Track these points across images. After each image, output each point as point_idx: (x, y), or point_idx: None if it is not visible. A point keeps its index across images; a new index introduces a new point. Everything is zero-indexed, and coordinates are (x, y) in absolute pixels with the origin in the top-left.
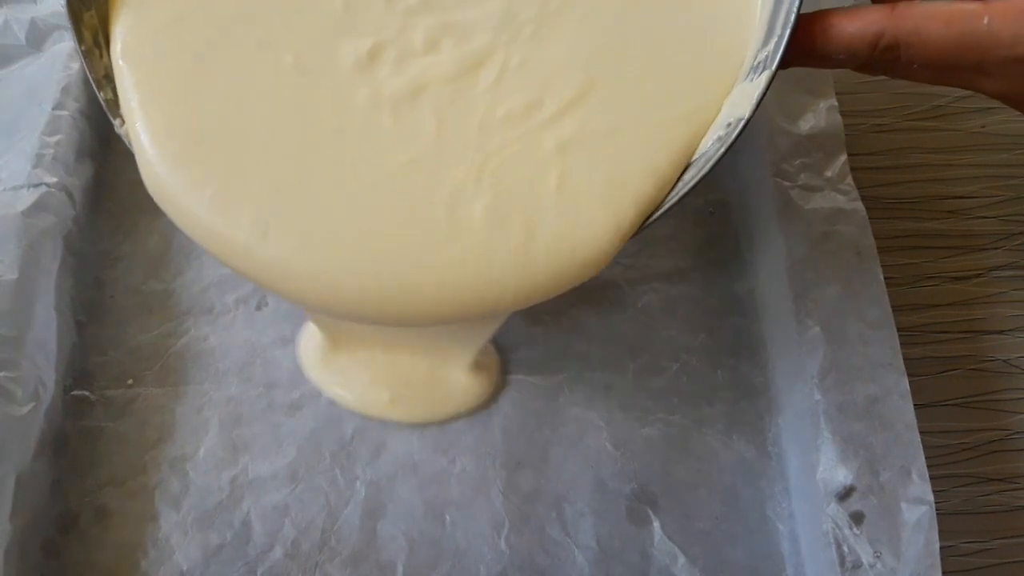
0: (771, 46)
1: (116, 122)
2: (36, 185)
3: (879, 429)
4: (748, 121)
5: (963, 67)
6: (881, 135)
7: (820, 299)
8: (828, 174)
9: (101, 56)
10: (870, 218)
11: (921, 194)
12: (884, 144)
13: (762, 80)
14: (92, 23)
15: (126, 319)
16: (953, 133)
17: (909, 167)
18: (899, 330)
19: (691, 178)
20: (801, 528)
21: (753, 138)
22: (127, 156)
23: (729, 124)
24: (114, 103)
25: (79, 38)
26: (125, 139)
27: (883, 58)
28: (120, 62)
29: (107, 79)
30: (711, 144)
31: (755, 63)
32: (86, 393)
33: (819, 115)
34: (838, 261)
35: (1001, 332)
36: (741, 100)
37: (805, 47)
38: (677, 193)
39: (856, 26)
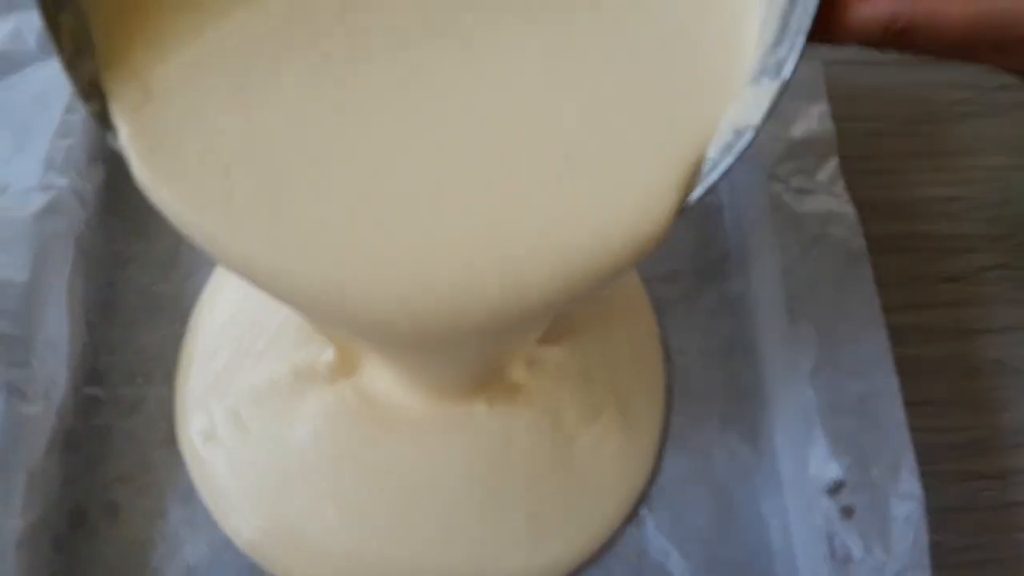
0: (783, 51)
1: (109, 135)
2: (47, 188)
3: (869, 426)
4: (759, 129)
5: (981, 47)
6: (873, 139)
7: (812, 300)
8: (820, 177)
9: (84, 63)
10: (862, 220)
11: (913, 196)
12: (877, 148)
13: (775, 88)
14: (70, 25)
15: (137, 319)
16: (945, 137)
17: (901, 171)
18: (891, 330)
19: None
20: (794, 522)
21: None
22: None
23: (737, 131)
24: (104, 114)
25: (59, 45)
26: (120, 152)
27: (897, 40)
28: (106, 73)
29: (93, 87)
30: (718, 151)
31: (765, 65)
32: (97, 391)
33: (811, 120)
34: (830, 263)
35: (992, 331)
36: (749, 106)
37: (817, 36)
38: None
39: (869, 11)
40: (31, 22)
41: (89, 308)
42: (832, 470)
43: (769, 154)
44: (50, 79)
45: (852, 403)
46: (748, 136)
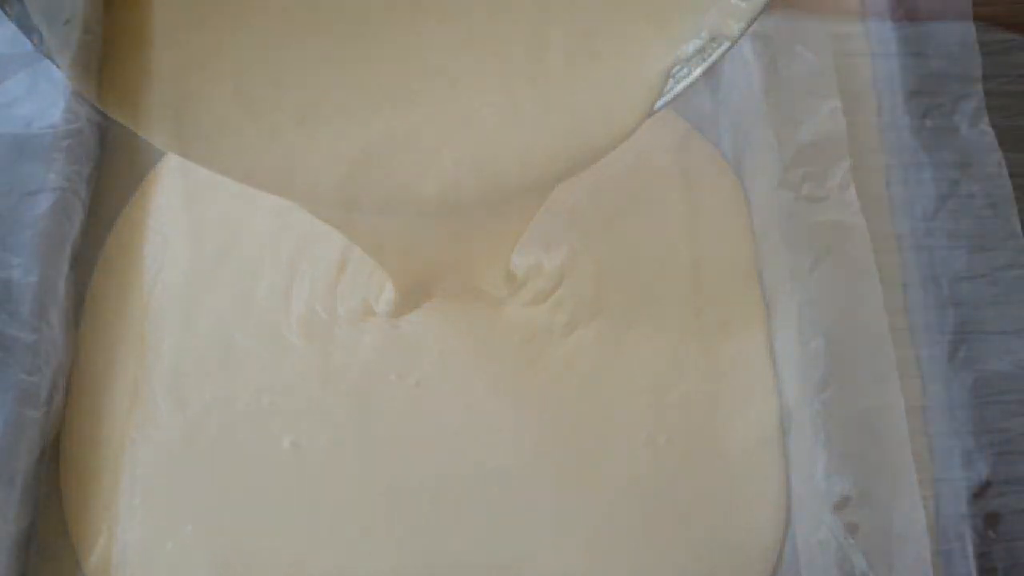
0: None
1: (33, 39)
2: (52, 189)
3: (874, 443)
4: (735, 41)
5: None
6: (885, 133)
7: (822, 313)
8: (831, 183)
9: None
10: (875, 217)
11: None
12: (888, 143)
13: (758, 2)
14: None
15: None
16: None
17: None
18: (909, 331)
19: (674, 85)
20: (800, 535)
21: (755, 146)
22: (125, 161)
23: (713, 38)
24: (24, 15)
25: None
26: (47, 57)
27: None
28: None
29: None
30: (689, 54)
31: None
32: None
33: (822, 119)
34: (840, 275)
35: (1006, 333)
36: (729, 14)
37: None
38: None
39: None
40: None
41: (76, 314)
42: (838, 486)
43: (779, 159)
44: (50, 79)
45: (858, 419)
46: (723, 47)
